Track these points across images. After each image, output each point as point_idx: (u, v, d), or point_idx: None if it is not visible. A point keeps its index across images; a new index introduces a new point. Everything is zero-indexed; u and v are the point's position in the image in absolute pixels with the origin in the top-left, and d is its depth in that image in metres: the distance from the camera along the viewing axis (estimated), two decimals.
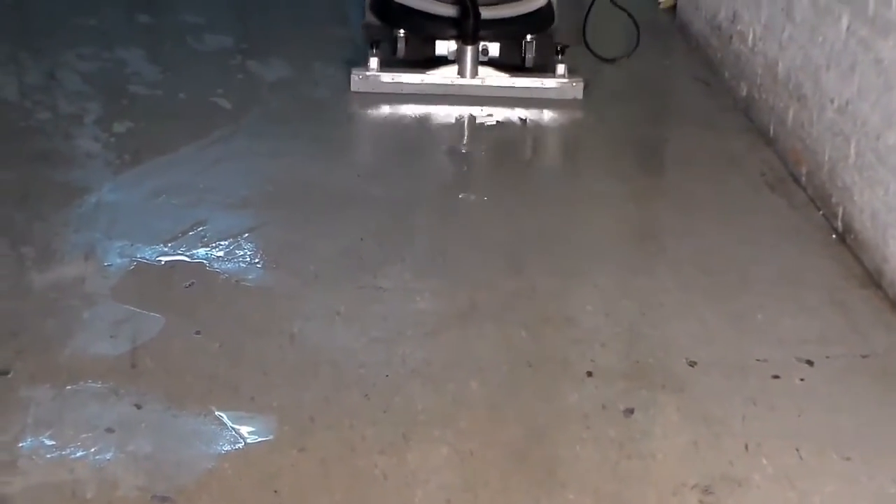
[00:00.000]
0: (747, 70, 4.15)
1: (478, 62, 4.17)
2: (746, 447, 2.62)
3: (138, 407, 2.65)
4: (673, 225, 3.51)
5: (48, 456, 2.50)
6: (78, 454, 2.51)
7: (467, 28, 4.15)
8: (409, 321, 2.99)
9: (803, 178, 3.67)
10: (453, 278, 3.16)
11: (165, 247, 3.22)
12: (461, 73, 4.17)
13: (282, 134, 3.85)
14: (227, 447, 2.56)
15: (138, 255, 3.17)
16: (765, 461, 2.59)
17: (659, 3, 5.09)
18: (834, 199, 3.46)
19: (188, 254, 3.20)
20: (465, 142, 4.05)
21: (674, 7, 4.99)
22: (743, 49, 4.19)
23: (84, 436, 2.55)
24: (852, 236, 3.35)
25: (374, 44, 4.17)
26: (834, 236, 3.43)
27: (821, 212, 3.53)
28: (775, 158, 3.84)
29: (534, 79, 4.18)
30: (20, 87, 4.07)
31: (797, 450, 2.62)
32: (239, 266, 3.17)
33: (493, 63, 4.22)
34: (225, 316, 2.97)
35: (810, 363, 2.90)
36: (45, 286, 3.04)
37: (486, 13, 4.21)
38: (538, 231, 3.41)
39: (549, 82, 4.18)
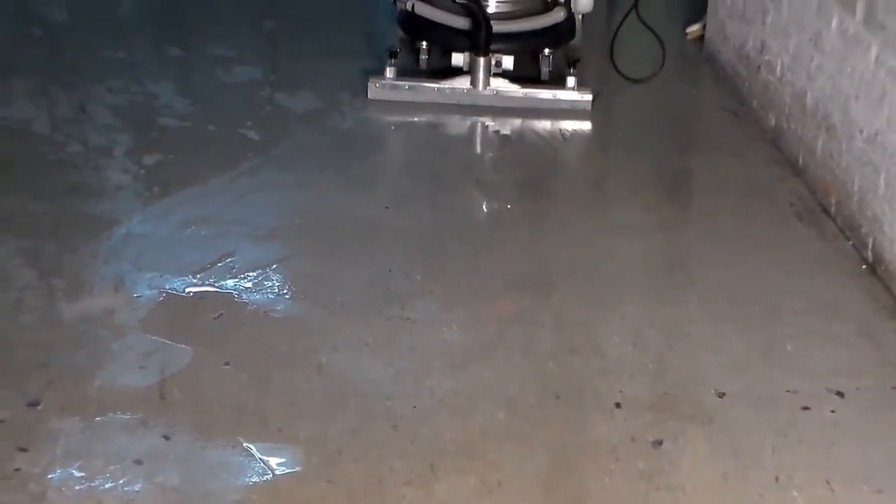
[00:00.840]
0: (776, 100, 4.14)
1: (490, 73, 4.30)
2: (777, 479, 2.60)
3: (167, 438, 2.65)
4: (701, 255, 3.49)
5: (77, 488, 2.51)
6: (106, 486, 2.51)
7: (479, 41, 4.30)
8: (436, 352, 2.99)
9: (832, 209, 3.66)
10: (480, 309, 3.16)
11: (194, 278, 3.23)
12: (473, 83, 4.32)
13: (309, 165, 3.86)
14: (254, 479, 2.56)
15: (167, 287, 3.19)
16: (795, 494, 2.57)
17: (686, 34, 5.09)
18: (864, 230, 3.44)
19: (217, 285, 3.21)
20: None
21: (701, 37, 4.99)
22: (771, 79, 4.18)
23: (112, 467, 2.56)
24: (883, 267, 3.33)
25: (392, 53, 4.34)
26: (864, 267, 3.41)
27: (850, 242, 3.52)
28: (804, 189, 3.83)
29: (545, 90, 4.33)
30: (51, 121, 4.11)
31: (828, 482, 2.60)
32: (267, 297, 3.18)
33: (506, 75, 4.35)
34: (253, 347, 2.98)
35: (841, 395, 2.87)
36: (74, 318, 3.06)
37: (501, 27, 4.35)
38: (564, 260, 3.40)
39: (560, 94, 4.32)
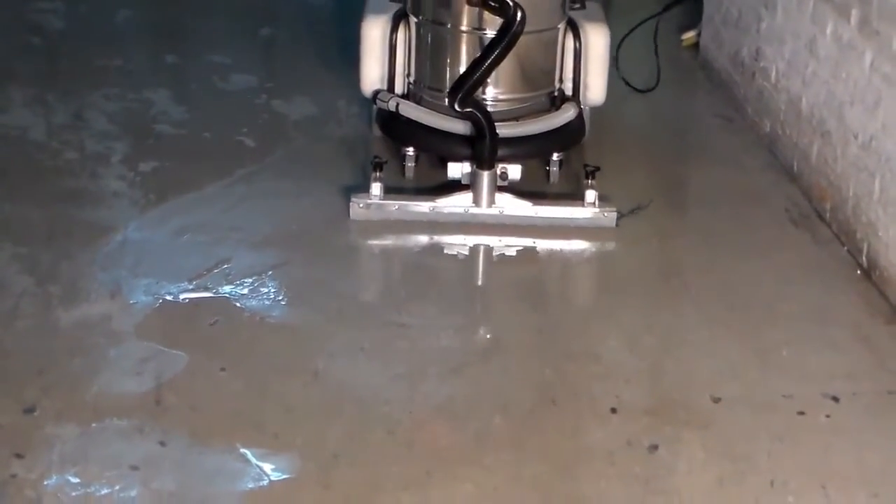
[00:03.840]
0: (771, 106, 4.15)
1: (495, 189, 3.56)
2: (772, 484, 2.61)
3: (163, 444, 2.65)
4: (696, 261, 3.50)
5: (73, 493, 2.51)
6: (103, 491, 2.52)
7: (483, 150, 3.52)
8: (432, 358, 2.99)
9: (828, 215, 3.66)
10: (476, 315, 3.16)
11: (190, 284, 3.23)
12: (476, 201, 3.55)
13: (305, 173, 3.87)
14: (251, 484, 2.56)
15: (163, 293, 3.19)
16: (791, 499, 2.57)
17: (682, 41, 5.10)
18: (859, 235, 3.45)
19: (213, 291, 3.21)
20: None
21: (697, 44, 5.00)
22: (766, 85, 4.19)
23: (109, 473, 2.56)
24: (878, 272, 3.33)
25: (376, 165, 3.57)
26: (859, 272, 3.41)
27: (845, 248, 3.52)
28: (799, 194, 3.83)
29: (560, 208, 3.57)
30: (47, 128, 4.11)
31: (824, 487, 2.60)
32: (263, 303, 3.18)
33: (513, 188, 3.61)
34: (249, 353, 2.98)
35: (836, 399, 2.88)
36: (71, 324, 3.06)
37: (506, 131, 3.59)
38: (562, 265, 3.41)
39: (577, 212, 3.57)
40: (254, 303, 3.18)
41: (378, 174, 3.55)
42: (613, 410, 2.82)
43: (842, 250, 3.53)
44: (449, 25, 3.64)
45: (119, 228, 3.49)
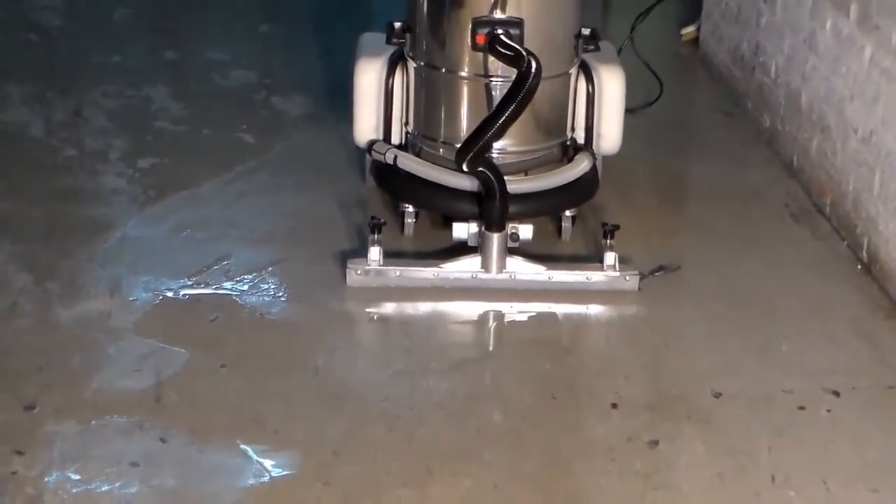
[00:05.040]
0: (770, 101, 4.15)
1: (506, 252, 3.23)
2: (773, 479, 2.61)
3: (163, 441, 2.65)
4: (696, 256, 3.50)
5: (74, 490, 2.51)
6: (103, 488, 2.51)
7: (492, 211, 3.20)
8: (433, 354, 2.99)
9: (828, 209, 3.66)
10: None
11: (190, 281, 3.23)
12: (485, 266, 3.22)
13: (305, 169, 3.86)
14: (251, 481, 2.56)
15: (163, 290, 3.19)
16: (792, 493, 2.57)
17: (681, 36, 5.10)
18: (859, 230, 3.45)
19: (212, 288, 3.21)
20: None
21: (696, 39, 5.00)
22: (766, 80, 4.19)
23: (109, 470, 2.56)
24: (878, 267, 3.33)
25: (374, 227, 3.23)
26: (859, 267, 3.41)
27: (845, 242, 3.52)
28: (799, 189, 3.83)
29: (577, 272, 3.26)
30: (46, 125, 4.11)
31: (824, 482, 2.60)
32: (263, 300, 3.18)
33: (523, 250, 3.28)
34: (249, 350, 2.98)
35: (837, 394, 2.88)
36: (70, 321, 3.06)
37: (516, 186, 3.27)
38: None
39: (595, 276, 3.25)
40: (254, 299, 3.17)
41: (376, 236, 3.22)
42: (614, 406, 2.82)
43: (842, 245, 3.53)
44: (453, 72, 3.28)
45: (118, 225, 3.49)
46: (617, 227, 3.26)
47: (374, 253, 3.21)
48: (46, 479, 2.53)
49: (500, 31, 3.12)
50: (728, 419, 2.79)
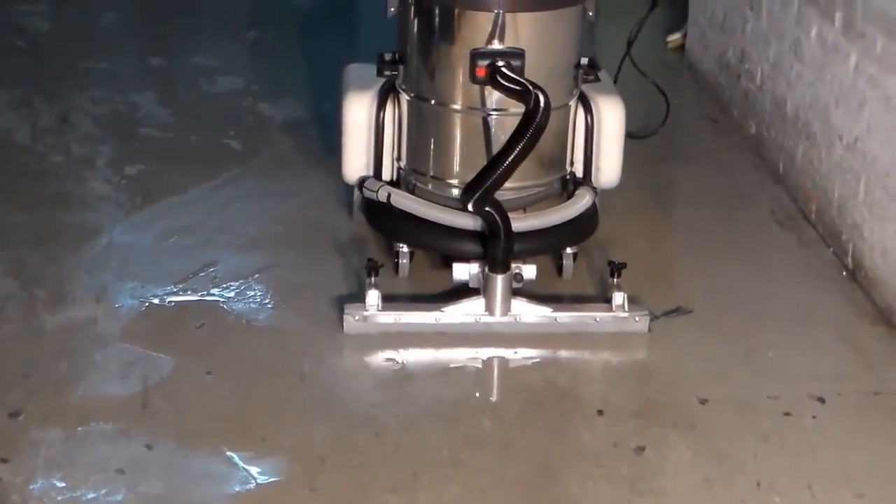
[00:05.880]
0: (756, 108, 4.16)
1: (510, 294, 3.08)
2: (758, 484, 2.61)
3: (149, 448, 2.65)
4: (683, 263, 3.51)
5: (59, 498, 2.50)
6: (89, 496, 2.51)
7: (497, 252, 3.04)
8: (420, 360, 2.99)
9: (813, 216, 3.67)
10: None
11: (176, 288, 3.23)
12: (489, 308, 3.07)
13: (291, 175, 3.86)
14: (238, 487, 2.56)
15: (149, 297, 3.19)
16: (777, 499, 2.58)
17: (667, 43, 5.11)
18: (844, 237, 3.46)
19: (199, 294, 3.21)
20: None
21: (682, 46, 5.01)
22: (751, 87, 4.20)
23: (95, 477, 2.55)
24: (863, 273, 3.35)
25: (371, 269, 3.10)
26: (844, 273, 3.42)
27: (831, 249, 3.53)
28: (785, 196, 3.84)
29: (584, 313, 3.12)
30: (33, 131, 4.10)
31: (809, 487, 2.61)
32: (249, 306, 3.18)
33: (526, 291, 3.13)
34: (236, 356, 2.98)
35: (822, 400, 2.89)
36: (56, 327, 3.05)
37: (519, 224, 3.11)
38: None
39: (604, 317, 3.10)
40: (240, 306, 3.17)
41: (373, 279, 3.08)
42: (600, 412, 2.83)
43: (827, 251, 3.54)
44: (450, 105, 3.14)
45: (105, 232, 3.49)
46: (624, 266, 3.14)
47: (373, 297, 3.05)
48: (32, 487, 2.52)
49: (501, 63, 3.00)
50: (714, 425, 2.79)
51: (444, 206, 3.17)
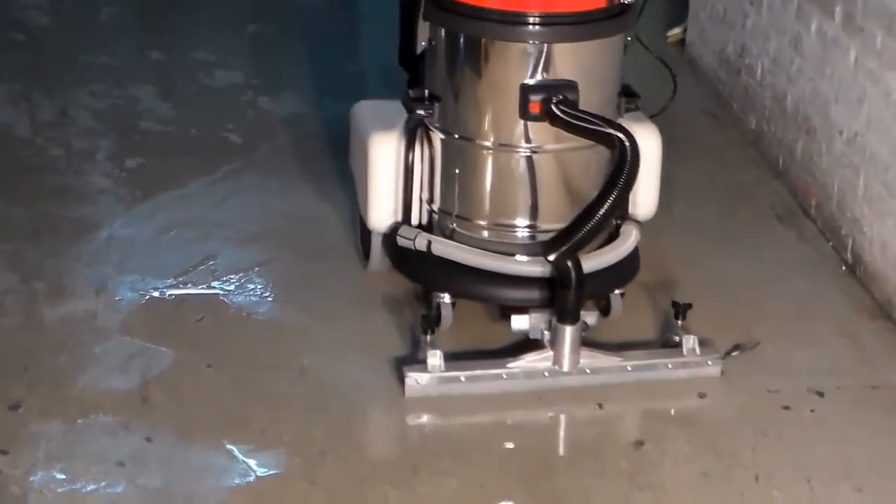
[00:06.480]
0: (756, 103, 4.16)
1: (580, 345, 2.87)
2: (757, 478, 2.62)
3: (149, 440, 2.65)
4: (682, 257, 3.51)
5: (59, 490, 2.51)
6: (89, 488, 2.52)
7: (568, 302, 2.82)
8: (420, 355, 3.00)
9: (813, 211, 3.67)
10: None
11: (176, 281, 3.23)
12: (558, 361, 2.86)
13: (291, 169, 3.86)
14: (237, 480, 2.56)
15: (149, 290, 3.19)
16: (776, 493, 2.58)
17: (667, 38, 5.11)
18: (843, 231, 3.46)
19: (199, 288, 3.21)
20: None
21: (682, 41, 5.01)
22: (751, 82, 4.20)
23: (95, 469, 2.56)
24: (862, 268, 3.35)
25: (427, 327, 2.86)
26: (844, 268, 3.43)
27: (830, 244, 3.54)
28: (784, 191, 3.84)
29: (655, 360, 2.93)
30: (33, 125, 4.10)
31: (808, 481, 2.61)
32: (249, 300, 3.18)
33: (591, 340, 2.94)
34: (235, 349, 2.98)
35: (821, 394, 2.89)
36: (56, 321, 3.06)
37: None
38: None
39: (676, 363, 2.92)
40: (240, 299, 3.18)
41: (428, 338, 2.85)
42: (600, 406, 2.83)
43: (827, 246, 3.54)
44: (498, 144, 2.92)
45: (104, 225, 3.49)
46: (690, 306, 2.98)
47: (435, 358, 2.81)
48: (32, 479, 2.53)
49: (558, 98, 2.82)
50: (713, 419, 2.80)
51: (493, 251, 2.95)
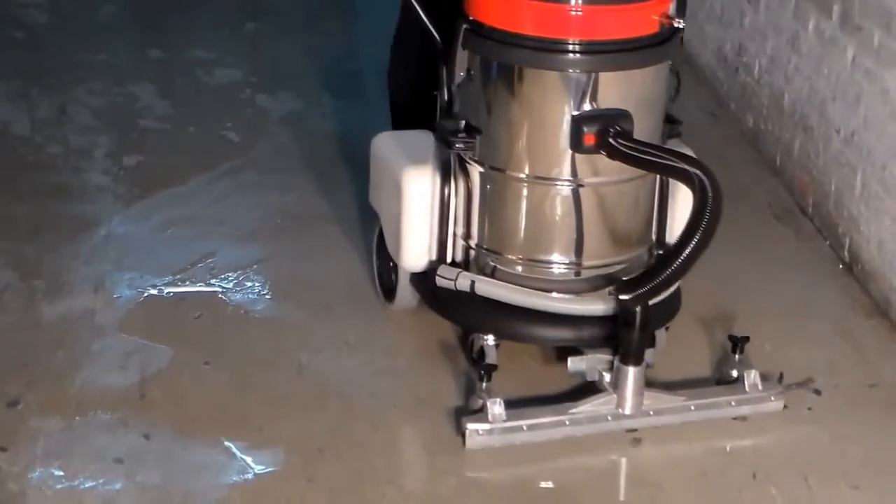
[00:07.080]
0: (753, 101, 4.17)
1: (643, 386, 2.74)
2: (754, 476, 2.62)
3: (147, 437, 2.66)
4: None
5: (57, 486, 2.51)
6: (87, 485, 2.52)
7: (632, 343, 2.69)
8: (417, 351, 3.00)
9: (810, 209, 3.68)
10: None
11: (174, 279, 3.23)
12: (621, 404, 2.73)
13: (289, 167, 3.87)
14: (235, 477, 2.56)
15: (148, 287, 3.19)
16: (773, 490, 2.59)
17: None
18: (841, 230, 3.47)
19: (197, 285, 3.21)
20: None
21: (680, 40, 5.01)
22: (749, 81, 4.21)
23: (93, 466, 2.56)
24: (859, 266, 3.35)
25: (483, 374, 2.71)
26: (841, 266, 3.43)
27: (828, 242, 3.54)
28: (782, 189, 3.85)
29: (718, 398, 2.80)
30: (31, 122, 4.10)
31: (805, 479, 2.62)
32: (248, 297, 3.18)
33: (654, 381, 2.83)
34: (233, 347, 2.99)
35: (818, 392, 2.90)
36: (55, 318, 3.06)
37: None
38: None
39: (739, 399, 2.81)
40: (238, 297, 3.18)
41: (485, 385, 2.70)
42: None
43: (824, 245, 3.54)
44: (547, 178, 2.78)
45: (103, 223, 3.49)
46: (747, 339, 2.89)
47: (495, 408, 2.66)
48: (30, 476, 2.53)
49: (615, 129, 2.68)
50: (711, 417, 2.80)
51: (540, 290, 2.81)
